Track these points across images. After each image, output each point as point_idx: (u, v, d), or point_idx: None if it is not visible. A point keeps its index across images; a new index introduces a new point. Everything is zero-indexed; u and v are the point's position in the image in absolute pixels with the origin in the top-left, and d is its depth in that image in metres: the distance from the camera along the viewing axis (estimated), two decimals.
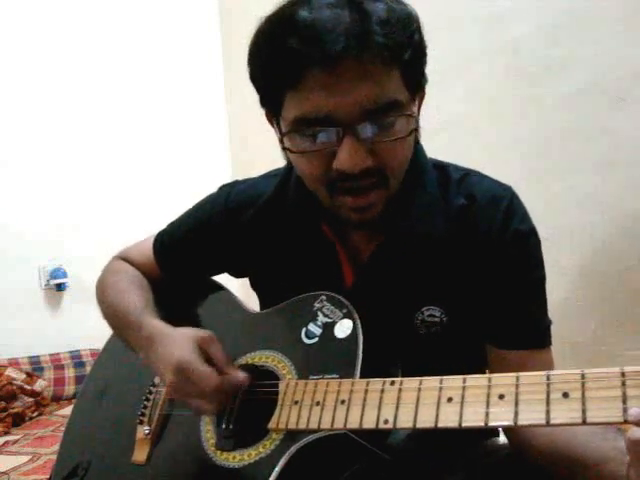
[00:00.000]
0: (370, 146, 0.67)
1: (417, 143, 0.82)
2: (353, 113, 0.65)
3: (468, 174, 0.81)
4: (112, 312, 0.92)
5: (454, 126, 2.10)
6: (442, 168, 0.82)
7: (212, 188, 0.97)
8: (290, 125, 0.69)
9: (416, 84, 0.71)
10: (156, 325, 0.82)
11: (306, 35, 0.63)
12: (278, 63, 0.66)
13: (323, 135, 0.67)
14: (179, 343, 0.75)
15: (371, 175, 0.69)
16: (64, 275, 2.46)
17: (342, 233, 0.82)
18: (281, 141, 0.73)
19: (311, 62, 0.63)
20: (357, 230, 0.79)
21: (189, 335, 0.76)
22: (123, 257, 1.02)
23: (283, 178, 0.87)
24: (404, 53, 0.66)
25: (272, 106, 0.72)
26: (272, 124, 0.78)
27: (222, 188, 0.95)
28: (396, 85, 0.67)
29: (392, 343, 0.74)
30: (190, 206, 0.98)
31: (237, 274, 0.96)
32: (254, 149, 2.85)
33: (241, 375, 0.73)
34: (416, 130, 0.72)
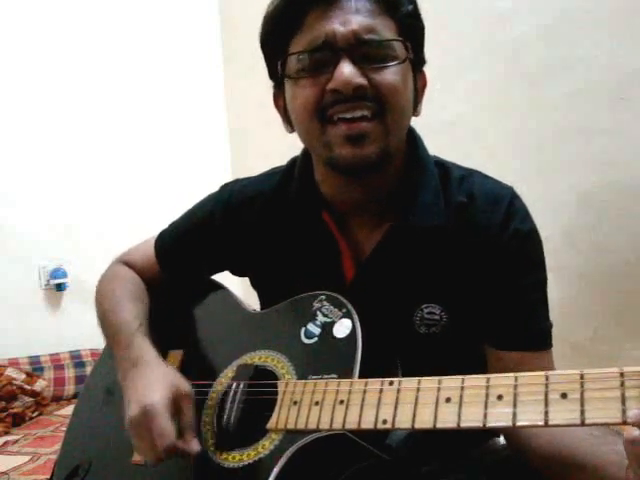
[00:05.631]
0: (365, 70, 0.69)
1: (419, 139, 0.82)
2: (349, 39, 0.69)
3: (469, 173, 0.81)
4: (105, 321, 0.92)
5: (454, 126, 2.10)
6: (443, 166, 0.82)
7: (212, 188, 0.97)
8: (292, 62, 0.73)
9: (413, 48, 0.74)
10: (144, 350, 0.81)
11: None
12: (284, 12, 0.72)
13: (320, 59, 0.71)
14: (158, 385, 0.73)
15: (365, 99, 0.69)
16: (64, 275, 2.46)
17: (344, 224, 0.81)
18: (281, 84, 0.76)
19: (312, 3, 0.69)
20: (351, 175, 0.76)
21: (170, 382, 0.75)
22: (124, 260, 1.01)
23: (285, 174, 0.87)
24: (401, 6, 0.72)
25: (279, 62, 0.75)
26: (277, 105, 0.80)
27: (224, 187, 0.95)
28: (391, 34, 0.71)
29: (391, 341, 0.74)
30: (191, 205, 0.98)
31: (239, 272, 0.96)
32: (254, 149, 2.85)
33: (194, 447, 0.71)
34: (414, 76, 0.76)
